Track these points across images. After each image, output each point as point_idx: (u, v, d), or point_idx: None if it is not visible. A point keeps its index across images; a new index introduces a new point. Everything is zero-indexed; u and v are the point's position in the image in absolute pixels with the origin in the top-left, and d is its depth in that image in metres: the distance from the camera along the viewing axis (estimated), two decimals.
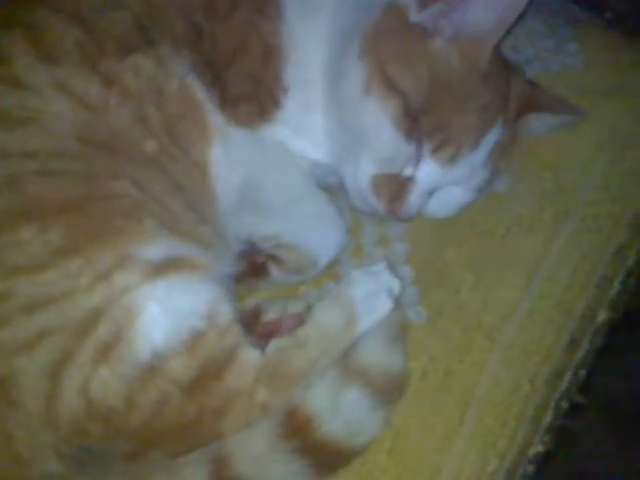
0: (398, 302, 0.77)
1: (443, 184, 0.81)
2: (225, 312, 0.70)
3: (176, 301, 0.67)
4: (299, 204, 0.82)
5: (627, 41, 0.99)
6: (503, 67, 0.82)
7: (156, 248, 0.67)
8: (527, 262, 0.83)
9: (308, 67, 0.80)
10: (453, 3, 0.75)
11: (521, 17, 0.79)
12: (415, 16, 0.77)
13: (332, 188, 0.88)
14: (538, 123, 0.86)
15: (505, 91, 0.81)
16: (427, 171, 0.79)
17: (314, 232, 0.83)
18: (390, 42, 0.76)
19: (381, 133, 0.77)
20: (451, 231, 0.87)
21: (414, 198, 0.80)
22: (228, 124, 0.78)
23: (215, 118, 0.77)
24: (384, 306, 0.76)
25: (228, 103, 0.78)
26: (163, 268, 0.67)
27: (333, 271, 0.86)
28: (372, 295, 0.76)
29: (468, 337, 0.80)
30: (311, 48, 0.80)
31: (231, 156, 0.78)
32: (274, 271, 0.84)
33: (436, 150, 0.77)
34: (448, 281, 0.84)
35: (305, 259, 0.83)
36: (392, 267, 0.82)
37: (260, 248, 0.83)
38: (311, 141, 0.82)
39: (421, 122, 0.76)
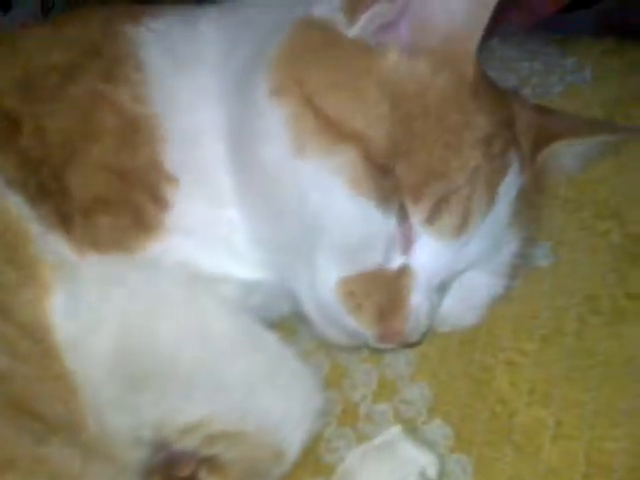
0: None
1: (457, 270, 0.46)
2: None
3: None
4: (232, 361, 0.45)
5: (630, 43, 0.70)
6: (495, 88, 0.49)
7: None
8: (633, 368, 0.45)
9: (199, 138, 0.47)
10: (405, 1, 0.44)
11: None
12: (350, 29, 0.45)
13: (285, 320, 0.52)
14: (567, 156, 0.54)
15: (509, 118, 0.48)
16: (427, 254, 0.45)
17: (267, 402, 0.45)
18: (320, 68, 0.45)
19: (337, 208, 0.43)
20: (489, 344, 0.49)
21: (417, 302, 0.45)
22: (78, 253, 0.42)
23: (51, 247, 0.42)
24: None
25: (74, 219, 0.43)
26: None
27: (315, 457, 0.47)
28: None
29: None
30: (198, 110, 0.48)
31: (92, 306, 0.41)
32: None
33: (432, 217, 0.44)
34: (511, 431, 0.45)
35: (262, 451, 0.45)
36: (413, 430, 0.47)
37: (181, 450, 0.44)
38: (230, 251, 0.47)
39: (397, 177, 0.42)
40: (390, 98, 0.44)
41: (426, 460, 0.44)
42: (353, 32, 0.45)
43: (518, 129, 0.51)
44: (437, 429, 0.48)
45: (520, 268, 0.52)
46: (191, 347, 0.44)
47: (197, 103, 0.47)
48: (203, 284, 0.47)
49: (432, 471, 0.43)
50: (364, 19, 0.45)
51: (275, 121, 0.43)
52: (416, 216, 0.44)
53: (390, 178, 0.43)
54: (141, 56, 0.48)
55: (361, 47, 0.45)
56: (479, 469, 0.45)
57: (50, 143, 0.45)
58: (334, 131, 0.43)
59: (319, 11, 0.47)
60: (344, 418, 0.51)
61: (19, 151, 0.45)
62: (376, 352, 0.52)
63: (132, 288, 0.43)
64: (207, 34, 0.51)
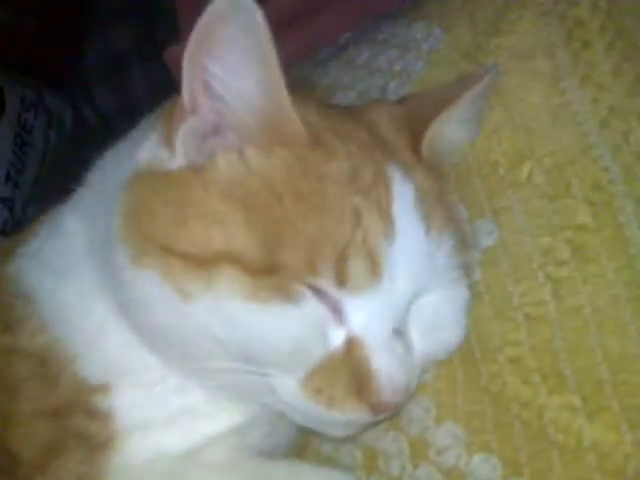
0: None
1: (402, 310, 0.43)
2: None
3: None
4: None
5: None
6: (340, 116, 0.47)
7: None
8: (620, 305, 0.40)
9: (105, 334, 0.47)
10: (202, 107, 0.43)
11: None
12: (174, 160, 0.43)
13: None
14: (453, 128, 0.50)
15: (369, 135, 0.46)
16: (361, 315, 0.42)
17: None
18: (160, 213, 0.43)
19: (249, 329, 0.41)
20: (484, 349, 0.45)
21: (383, 365, 0.42)
22: None
23: None
24: None
25: (31, 474, 0.42)
26: None
27: None
28: None
29: None
30: (91, 310, 0.47)
31: None
32: None
33: (341, 279, 0.41)
34: (547, 433, 0.40)
35: None
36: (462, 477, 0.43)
37: None
38: (196, 413, 0.46)
39: (285, 266, 0.40)
40: (237, 203, 0.42)
41: None
42: (178, 161, 0.44)
43: (385, 137, 0.48)
44: (482, 464, 0.44)
45: (470, 260, 0.47)
46: None
47: (88, 304, 0.46)
48: (186, 462, 0.44)
49: None
50: (179, 142, 0.43)
51: (149, 285, 0.42)
52: (326, 286, 0.41)
53: (279, 271, 0.40)
54: (24, 289, 0.48)
55: (190, 170, 0.43)
56: None
57: None
58: (202, 263, 0.41)
59: (143, 158, 0.46)
60: None
61: None
62: (390, 418, 0.48)
63: None
64: (71, 231, 0.50)
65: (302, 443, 0.52)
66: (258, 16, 0.39)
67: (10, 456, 0.43)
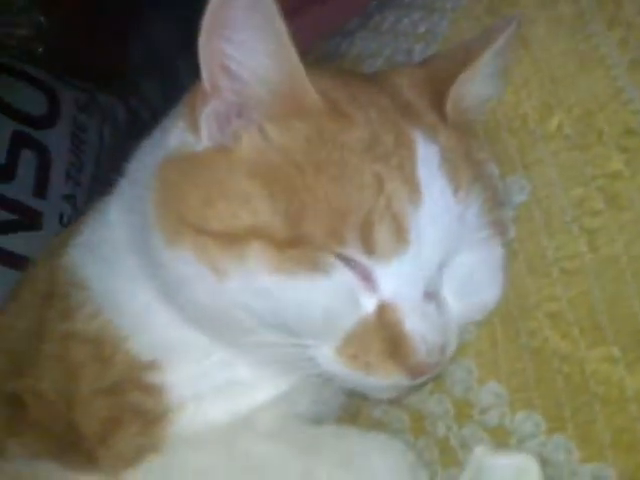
0: None
1: (433, 273, 0.43)
2: None
3: None
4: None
5: None
6: (360, 84, 0.48)
7: None
8: None
9: (151, 315, 0.49)
10: (221, 90, 0.44)
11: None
12: (203, 142, 0.45)
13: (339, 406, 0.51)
14: (478, 84, 0.49)
15: (391, 100, 0.46)
16: (392, 281, 0.42)
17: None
18: (189, 194, 0.45)
19: (282, 301, 0.42)
20: (523, 306, 0.44)
21: (415, 329, 0.42)
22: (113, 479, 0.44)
23: None
24: None
25: (97, 452, 0.46)
26: None
27: None
28: None
29: None
30: (138, 292, 0.49)
31: None
32: None
33: (368, 246, 0.41)
34: (589, 385, 0.39)
35: None
36: (505, 435, 0.44)
37: None
38: (243, 384, 0.48)
39: (310, 237, 0.41)
40: (261, 179, 0.42)
41: (520, 462, 0.40)
42: (203, 143, 0.45)
43: (408, 100, 0.47)
44: (526, 421, 0.44)
45: (503, 218, 0.47)
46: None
47: (134, 288, 0.48)
48: (237, 431, 0.46)
49: (532, 467, 0.39)
50: (203, 126, 0.44)
51: (185, 265, 0.43)
52: (355, 255, 0.41)
53: (306, 242, 0.41)
54: (78, 278, 0.51)
55: (215, 151, 0.44)
56: (581, 442, 0.40)
57: (51, 401, 0.48)
58: (232, 240, 0.42)
59: (171, 144, 0.47)
60: (445, 459, 0.47)
61: (32, 424, 0.48)
62: (432, 380, 0.48)
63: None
64: (114, 220, 0.52)
65: (354, 409, 0.53)
66: None
67: (76, 432, 0.46)
